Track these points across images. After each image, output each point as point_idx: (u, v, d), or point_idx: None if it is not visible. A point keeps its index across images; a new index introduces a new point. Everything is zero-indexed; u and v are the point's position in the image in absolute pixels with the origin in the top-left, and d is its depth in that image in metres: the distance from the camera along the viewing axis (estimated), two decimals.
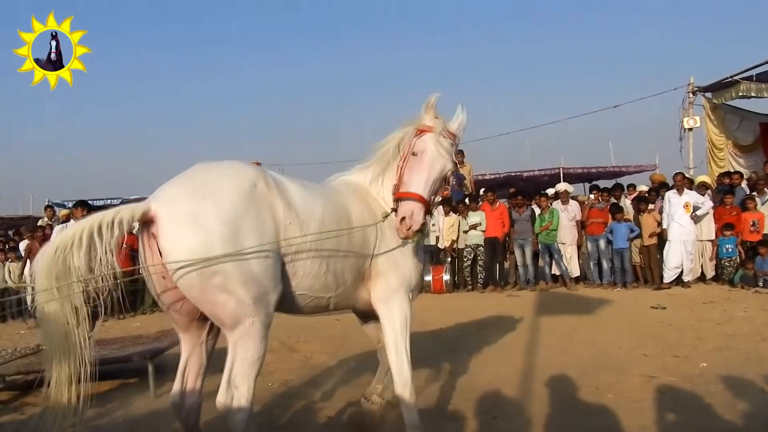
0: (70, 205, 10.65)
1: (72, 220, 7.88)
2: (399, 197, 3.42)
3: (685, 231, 10.63)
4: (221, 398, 2.88)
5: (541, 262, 12.15)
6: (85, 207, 8.03)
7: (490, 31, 68.67)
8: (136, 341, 6.51)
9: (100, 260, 2.71)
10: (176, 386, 3.29)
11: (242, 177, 2.97)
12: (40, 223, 14.52)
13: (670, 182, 11.59)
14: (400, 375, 3.52)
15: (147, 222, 2.84)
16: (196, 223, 2.76)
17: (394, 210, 3.43)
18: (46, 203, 14.02)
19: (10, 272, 12.31)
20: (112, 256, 2.72)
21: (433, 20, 68.74)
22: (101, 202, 16.93)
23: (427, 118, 3.52)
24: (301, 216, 3.10)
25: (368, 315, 4.01)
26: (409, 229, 3.34)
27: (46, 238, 10.21)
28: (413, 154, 3.47)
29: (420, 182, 3.42)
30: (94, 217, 2.78)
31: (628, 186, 13.17)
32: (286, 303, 3.18)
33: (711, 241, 10.92)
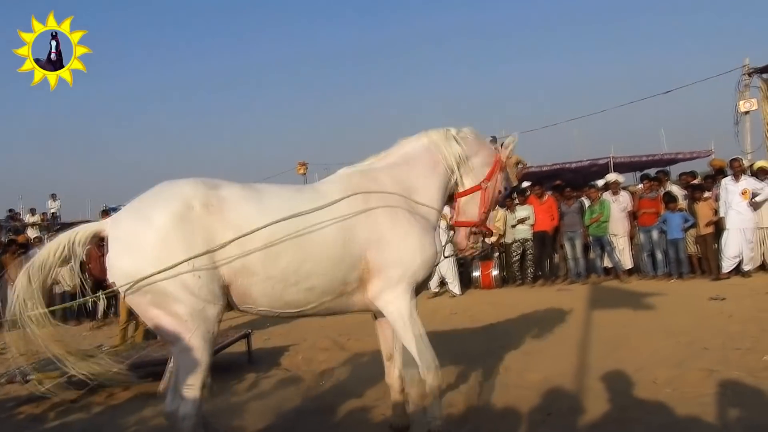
0: None
1: None
2: (481, 229, 3.84)
3: (744, 219, 10.26)
4: (168, 407, 3.07)
5: (592, 255, 11.94)
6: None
7: (533, 13, 67.85)
8: None
9: (71, 269, 3.14)
10: (162, 384, 3.66)
11: (179, 200, 3.09)
12: None
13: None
14: (425, 362, 3.47)
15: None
16: (128, 245, 3.04)
17: (451, 228, 3.86)
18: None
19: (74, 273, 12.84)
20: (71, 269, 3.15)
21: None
22: None
23: (503, 153, 3.93)
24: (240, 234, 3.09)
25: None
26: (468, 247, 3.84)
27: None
28: (499, 191, 3.91)
29: (487, 217, 3.91)
30: (62, 236, 3.14)
31: (688, 173, 12.72)
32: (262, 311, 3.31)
33: None
